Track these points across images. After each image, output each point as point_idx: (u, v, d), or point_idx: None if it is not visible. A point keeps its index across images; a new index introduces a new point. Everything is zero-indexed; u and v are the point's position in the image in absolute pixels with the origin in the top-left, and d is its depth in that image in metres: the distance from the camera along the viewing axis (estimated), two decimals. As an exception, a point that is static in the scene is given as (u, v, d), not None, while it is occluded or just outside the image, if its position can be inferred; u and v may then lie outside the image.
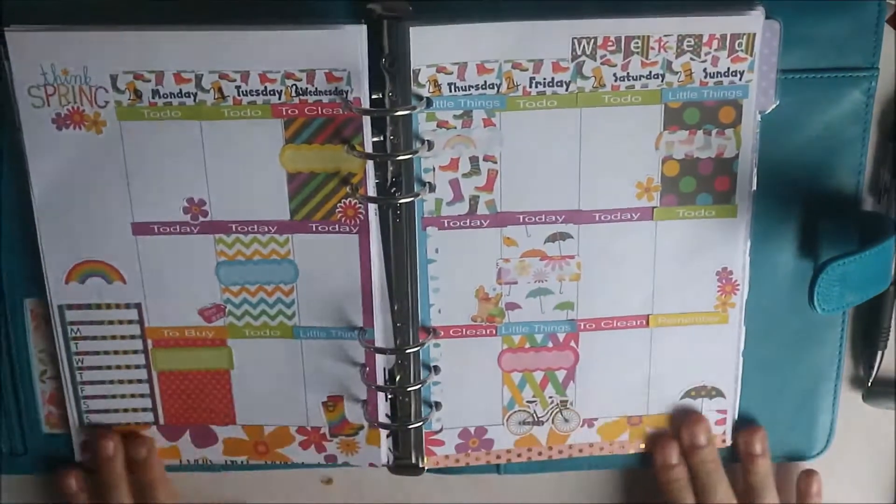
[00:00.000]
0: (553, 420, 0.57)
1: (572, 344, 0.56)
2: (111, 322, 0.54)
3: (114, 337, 0.55)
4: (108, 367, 0.55)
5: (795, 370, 0.58)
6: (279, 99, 0.50)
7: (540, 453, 0.58)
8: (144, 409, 0.56)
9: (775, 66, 0.52)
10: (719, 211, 0.54)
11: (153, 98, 0.49)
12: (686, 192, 0.53)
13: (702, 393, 0.57)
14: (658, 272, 0.54)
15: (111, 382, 0.56)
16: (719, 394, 0.57)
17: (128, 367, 0.55)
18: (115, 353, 0.55)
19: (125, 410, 0.56)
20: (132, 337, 0.55)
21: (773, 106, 0.52)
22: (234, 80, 0.49)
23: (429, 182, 0.53)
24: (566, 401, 0.57)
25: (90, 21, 0.49)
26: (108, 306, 0.54)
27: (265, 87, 0.50)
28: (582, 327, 0.55)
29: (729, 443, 0.58)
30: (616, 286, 0.55)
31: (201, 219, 0.52)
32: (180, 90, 0.49)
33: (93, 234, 0.52)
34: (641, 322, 0.55)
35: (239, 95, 0.50)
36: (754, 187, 0.54)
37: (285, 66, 0.49)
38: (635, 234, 0.54)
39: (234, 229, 0.52)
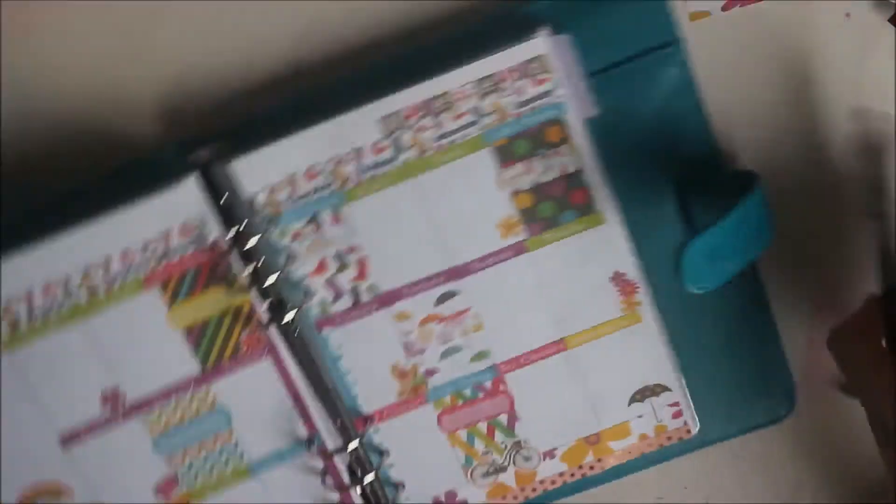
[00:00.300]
0: (514, 462, 0.57)
1: (501, 388, 0.56)
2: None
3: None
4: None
5: (732, 340, 0.56)
6: (147, 269, 0.52)
7: (515, 497, 0.58)
8: None
9: (581, 74, 0.51)
10: (587, 222, 0.53)
11: (30, 319, 0.52)
12: (548, 217, 0.53)
13: (647, 394, 0.56)
14: (553, 297, 0.54)
15: None
16: (664, 389, 0.56)
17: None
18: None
19: None
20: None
21: (595, 110, 0.52)
22: (99, 272, 0.52)
23: (307, 289, 0.54)
24: (518, 441, 0.57)
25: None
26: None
27: (129, 265, 0.52)
28: (504, 370, 0.55)
29: (696, 430, 0.57)
30: (520, 323, 0.55)
31: (122, 406, 0.54)
32: (50, 302, 0.52)
33: (21, 461, 0.54)
34: (559, 347, 0.55)
35: (108, 283, 0.52)
36: (609, 190, 0.52)
37: (140, 237, 0.52)
38: (517, 270, 0.54)
39: (155, 404, 0.55)
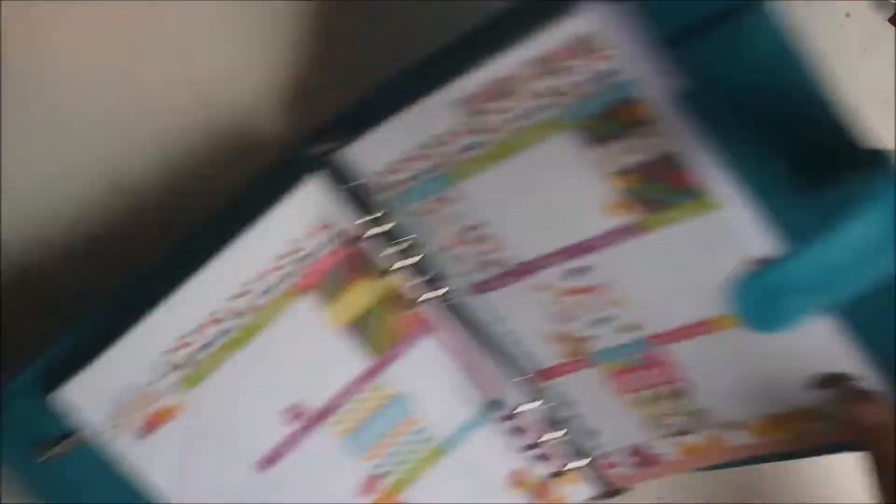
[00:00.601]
0: (700, 428, 0.54)
1: (669, 359, 0.53)
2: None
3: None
4: None
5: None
6: (291, 281, 0.52)
7: (709, 459, 0.55)
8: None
9: (653, 46, 0.44)
10: (703, 205, 0.47)
11: (198, 356, 0.52)
12: (658, 197, 0.48)
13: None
14: (690, 276, 0.49)
15: None
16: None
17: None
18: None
19: None
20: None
21: (680, 83, 0.45)
22: (246, 295, 0.52)
23: (451, 261, 0.53)
24: (702, 409, 0.53)
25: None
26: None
27: (273, 282, 0.52)
28: (665, 340, 0.52)
29: None
30: (669, 298, 0.51)
31: (305, 419, 0.54)
32: (212, 336, 0.52)
33: (228, 495, 0.54)
34: (718, 324, 0.50)
35: (260, 302, 0.52)
36: (723, 168, 0.46)
37: (274, 254, 0.51)
38: (642, 251, 0.49)
39: (335, 407, 0.55)
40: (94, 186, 0.57)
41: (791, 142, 0.45)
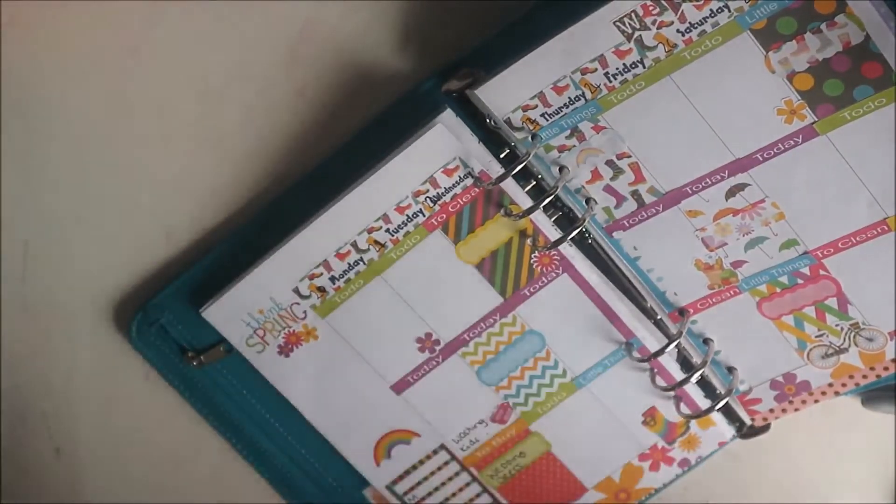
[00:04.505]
0: (855, 343, 0.51)
1: (822, 273, 0.50)
2: (432, 473, 0.59)
3: (443, 483, 0.60)
4: (457, 511, 0.63)
5: None
6: (425, 216, 0.52)
7: (865, 376, 0.52)
8: (505, 527, 0.63)
9: None
10: (888, 96, 0.44)
11: (334, 284, 0.54)
12: (838, 95, 0.44)
13: None
14: (866, 178, 0.46)
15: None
16: None
17: (471, 500, 0.60)
18: (454, 495, 0.60)
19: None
20: (456, 475, 0.60)
21: None
22: (381, 228, 0.52)
23: (589, 198, 0.51)
24: (855, 322, 0.51)
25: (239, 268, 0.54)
26: (421, 462, 0.59)
27: (407, 216, 0.52)
28: (821, 255, 0.49)
29: None
30: (830, 208, 0.48)
31: (438, 348, 0.56)
32: (347, 265, 0.53)
33: (366, 415, 0.58)
34: (882, 228, 0.47)
35: (393, 235, 0.53)
36: None
37: (408, 190, 0.51)
38: (812, 156, 0.46)
39: (467, 339, 0.55)
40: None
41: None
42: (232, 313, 0.55)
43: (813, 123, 0.46)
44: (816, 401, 0.55)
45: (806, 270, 0.50)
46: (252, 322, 0.55)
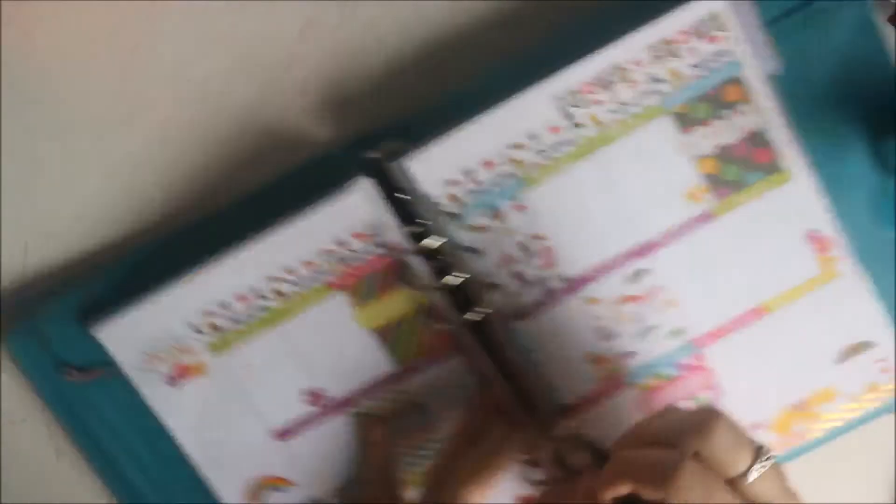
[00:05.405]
0: None
1: (702, 363, 0.54)
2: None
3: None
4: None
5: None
6: (330, 276, 0.53)
7: None
8: None
9: (759, 25, 0.50)
10: (774, 181, 0.52)
11: (231, 325, 0.53)
12: (734, 180, 0.52)
13: (858, 350, 0.54)
14: (747, 262, 0.53)
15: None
16: (871, 345, 0.54)
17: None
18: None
19: None
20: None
21: (778, 65, 0.51)
22: (285, 279, 0.53)
23: (493, 283, 0.54)
24: None
25: (146, 291, 0.53)
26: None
27: (314, 273, 0.53)
28: (702, 344, 0.54)
29: None
30: (715, 293, 0.53)
31: (326, 404, 0.55)
32: (247, 309, 0.53)
33: (244, 457, 0.55)
34: (758, 313, 0.54)
35: (297, 289, 0.53)
36: (795, 144, 0.51)
37: (321, 244, 0.52)
38: (707, 239, 0.53)
39: (357, 402, 0.55)
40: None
41: (868, 120, 0.51)
42: (126, 335, 0.53)
43: (712, 207, 0.52)
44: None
45: (687, 361, 0.54)
46: (146, 347, 0.53)
